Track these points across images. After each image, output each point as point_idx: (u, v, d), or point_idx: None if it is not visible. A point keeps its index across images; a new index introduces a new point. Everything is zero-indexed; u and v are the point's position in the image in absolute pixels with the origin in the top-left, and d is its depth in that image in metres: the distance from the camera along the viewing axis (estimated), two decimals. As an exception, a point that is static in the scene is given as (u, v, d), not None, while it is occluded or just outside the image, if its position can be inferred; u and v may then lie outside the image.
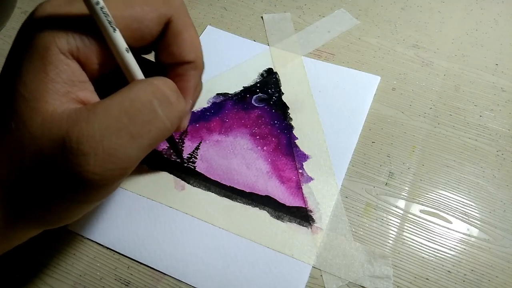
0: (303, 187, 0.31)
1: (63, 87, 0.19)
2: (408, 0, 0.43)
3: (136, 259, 0.28)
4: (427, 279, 0.27)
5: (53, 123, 0.19)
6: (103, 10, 0.19)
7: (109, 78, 0.23)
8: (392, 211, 0.30)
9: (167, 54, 0.23)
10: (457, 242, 0.29)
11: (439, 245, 0.29)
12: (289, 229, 0.29)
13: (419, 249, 0.29)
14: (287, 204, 0.30)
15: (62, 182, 0.19)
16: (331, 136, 0.33)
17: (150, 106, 0.20)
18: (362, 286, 0.27)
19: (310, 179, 0.31)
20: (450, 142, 0.33)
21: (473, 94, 0.36)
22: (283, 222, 0.30)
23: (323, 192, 0.31)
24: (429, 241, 0.29)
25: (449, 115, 0.35)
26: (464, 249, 0.29)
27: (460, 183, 0.31)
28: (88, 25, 0.20)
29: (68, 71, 0.20)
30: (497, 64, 0.38)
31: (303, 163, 0.32)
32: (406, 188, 0.31)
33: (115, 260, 0.28)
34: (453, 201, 0.31)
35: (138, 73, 0.22)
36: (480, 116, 0.35)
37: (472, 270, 0.28)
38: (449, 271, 0.28)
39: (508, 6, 0.42)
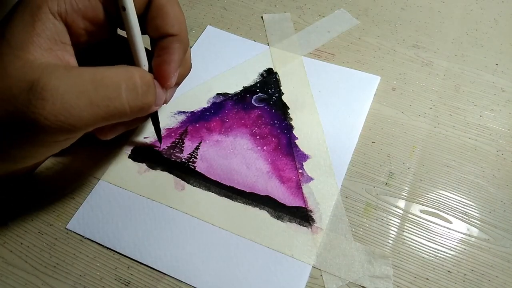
0: (303, 187, 0.31)
1: (46, 43, 0.22)
2: (408, 0, 0.43)
3: (136, 259, 0.28)
4: (427, 279, 0.27)
5: (29, 68, 0.21)
6: None
7: (98, 55, 0.25)
8: (392, 211, 0.30)
9: (152, 28, 0.25)
10: (457, 242, 0.29)
11: (439, 245, 0.29)
12: (289, 229, 0.29)
13: (419, 249, 0.29)
14: (287, 204, 0.30)
15: (18, 120, 0.21)
16: (331, 136, 0.33)
17: (116, 87, 0.23)
18: (362, 286, 0.27)
19: (310, 179, 0.31)
20: (450, 142, 0.33)
21: (473, 94, 0.36)
22: (283, 222, 0.30)
23: (323, 192, 0.31)
24: (429, 241, 0.29)
25: (449, 115, 0.35)
26: (464, 249, 0.29)
27: (460, 183, 0.31)
28: None
29: (53, 30, 0.22)
30: (497, 64, 0.38)
31: (303, 163, 0.32)
32: (406, 188, 0.31)
33: (115, 260, 0.28)
34: (453, 201, 0.31)
35: (141, 53, 0.25)
36: (480, 116, 0.35)
37: (472, 270, 0.28)
38: (449, 271, 0.28)
39: (508, 6, 0.42)
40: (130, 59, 0.26)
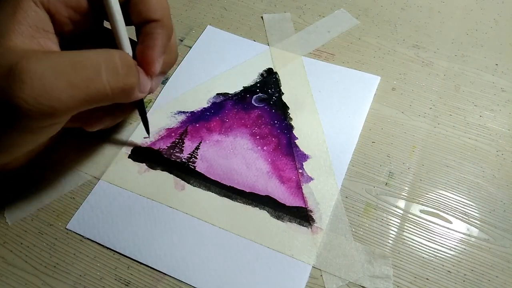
0: (303, 187, 0.31)
1: (28, 30, 0.22)
2: (408, 0, 0.43)
3: (136, 259, 0.28)
4: (427, 279, 0.27)
5: (9, 54, 0.21)
6: None
7: (83, 46, 0.25)
8: (392, 211, 0.30)
9: (134, 13, 0.25)
10: (457, 242, 0.29)
11: (439, 245, 0.29)
12: (289, 229, 0.29)
13: (419, 249, 0.29)
14: (287, 204, 0.30)
15: (0, 105, 0.21)
16: (331, 136, 0.33)
17: (96, 67, 0.22)
18: (362, 286, 0.27)
19: (310, 179, 0.31)
20: (450, 142, 0.33)
21: (473, 94, 0.36)
22: (283, 222, 0.30)
23: (323, 192, 0.31)
24: (429, 241, 0.29)
25: (449, 115, 0.35)
26: (464, 249, 0.29)
27: (460, 183, 0.31)
28: None
29: (35, 17, 0.23)
30: (497, 64, 0.38)
31: (303, 163, 0.32)
32: (406, 188, 0.31)
33: (115, 260, 0.28)
34: (453, 201, 0.31)
35: (124, 38, 0.25)
36: (480, 116, 0.35)
37: (472, 270, 0.28)
38: (449, 271, 0.28)
39: (508, 6, 0.42)
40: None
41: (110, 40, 0.26)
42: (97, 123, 0.27)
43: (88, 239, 0.29)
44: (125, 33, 0.26)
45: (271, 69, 0.38)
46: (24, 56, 0.21)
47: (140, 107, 0.30)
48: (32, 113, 0.21)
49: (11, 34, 0.22)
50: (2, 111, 0.21)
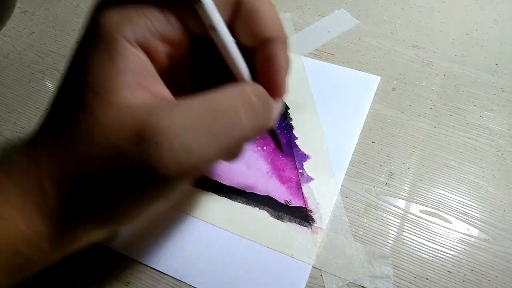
0: (303, 187, 0.31)
1: (134, 80, 0.18)
2: (408, 0, 0.43)
3: (136, 259, 0.28)
4: (427, 279, 0.27)
5: (128, 114, 0.18)
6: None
7: (177, 74, 0.22)
8: (392, 211, 0.30)
9: (246, 35, 0.21)
10: (457, 242, 0.29)
11: (439, 245, 0.29)
12: (289, 229, 0.29)
13: (419, 249, 0.29)
14: (287, 204, 0.30)
15: (131, 175, 0.18)
16: (331, 136, 0.33)
17: (235, 111, 0.19)
18: (362, 286, 0.27)
19: (310, 179, 0.31)
20: (450, 142, 0.33)
21: (473, 94, 0.36)
22: (283, 222, 0.30)
23: (323, 192, 0.31)
24: (429, 241, 0.29)
25: (449, 115, 0.35)
26: (464, 249, 0.29)
27: (460, 183, 0.31)
28: (152, 10, 0.19)
29: (137, 62, 0.19)
30: (497, 64, 0.38)
31: (303, 163, 0.32)
32: (406, 188, 0.31)
33: (115, 260, 0.28)
34: (453, 201, 0.31)
35: (243, 69, 0.21)
36: (480, 116, 0.35)
37: (472, 270, 0.28)
38: (449, 271, 0.28)
39: (508, 6, 0.42)
40: (217, 67, 0.22)
41: (207, 54, 0.23)
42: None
43: (88, 239, 0.29)
44: (243, 62, 0.22)
45: (271, 69, 0.38)
46: (149, 113, 0.18)
47: (272, 132, 0.28)
48: (174, 177, 0.18)
49: (116, 87, 0.18)
50: (135, 177, 0.18)
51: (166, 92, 0.20)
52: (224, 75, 0.22)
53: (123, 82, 0.18)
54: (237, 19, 0.21)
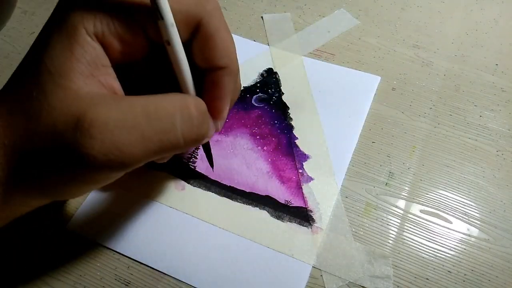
0: (303, 187, 0.31)
1: (87, 68, 0.20)
2: (408, 0, 0.43)
3: (136, 259, 0.28)
4: (427, 279, 0.27)
5: (74, 101, 0.19)
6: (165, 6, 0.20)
7: (133, 71, 0.23)
8: (392, 211, 0.30)
9: (200, 58, 0.23)
10: (457, 242, 0.29)
11: (439, 245, 0.29)
12: (289, 229, 0.29)
13: (419, 249, 0.29)
14: (287, 204, 0.30)
15: (64, 158, 0.19)
16: (331, 136, 0.33)
17: (171, 119, 0.21)
18: (362, 286, 0.27)
19: (310, 179, 0.31)
20: (450, 142, 0.33)
21: (473, 94, 0.36)
22: (283, 222, 0.30)
23: (323, 192, 0.31)
24: (429, 241, 0.29)
25: (449, 115, 0.35)
26: (464, 249, 0.29)
27: (460, 183, 0.31)
28: (116, 11, 0.21)
29: (93, 53, 0.20)
30: (497, 64, 0.38)
31: (303, 163, 0.32)
32: (406, 188, 0.31)
33: (115, 260, 0.28)
34: (453, 201, 0.31)
35: (190, 84, 0.23)
36: (480, 116, 0.35)
37: (472, 270, 0.28)
38: (449, 271, 0.28)
39: (508, 6, 0.42)
40: (169, 74, 0.24)
41: (162, 63, 0.24)
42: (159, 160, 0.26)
43: (88, 239, 0.29)
44: (191, 79, 0.23)
45: (271, 69, 0.38)
46: (90, 104, 0.19)
47: (206, 146, 0.30)
48: (101, 168, 0.19)
49: (70, 73, 0.20)
50: (67, 162, 0.19)
51: (116, 85, 0.22)
52: (176, 82, 0.23)
53: (77, 69, 0.20)
54: (194, 39, 0.23)
